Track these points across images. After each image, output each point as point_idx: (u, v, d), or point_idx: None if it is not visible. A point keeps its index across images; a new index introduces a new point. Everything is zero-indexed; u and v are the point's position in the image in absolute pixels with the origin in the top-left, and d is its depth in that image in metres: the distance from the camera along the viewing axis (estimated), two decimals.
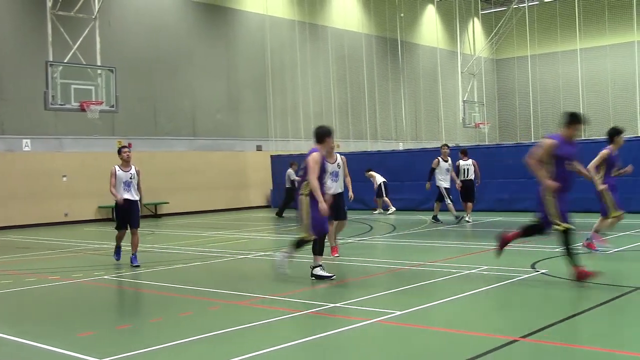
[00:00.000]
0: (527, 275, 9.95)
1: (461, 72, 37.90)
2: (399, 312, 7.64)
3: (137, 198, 12.74)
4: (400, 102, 38.07)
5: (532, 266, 10.76)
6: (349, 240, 15.59)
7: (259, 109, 32.06)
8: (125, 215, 12.75)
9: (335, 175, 12.38)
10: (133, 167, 12.74)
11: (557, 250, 12.71)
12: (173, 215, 27.61)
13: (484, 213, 21.93)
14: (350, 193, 12.96)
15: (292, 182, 23.72)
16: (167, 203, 27.68)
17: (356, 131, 35.68)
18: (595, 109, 36.65)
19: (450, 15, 39.76)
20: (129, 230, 12.87)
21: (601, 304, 7.86)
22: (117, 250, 13.15)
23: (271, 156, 30.60)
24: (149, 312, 8.90)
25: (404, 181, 25.62)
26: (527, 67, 38.43)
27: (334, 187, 12.19)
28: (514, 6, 37.98)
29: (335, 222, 12.51)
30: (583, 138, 28.17)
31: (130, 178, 12.60)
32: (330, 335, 6.85)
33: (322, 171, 10.09)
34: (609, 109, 37.44)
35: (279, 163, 29.40)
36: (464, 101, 37.20)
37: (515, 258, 11.53)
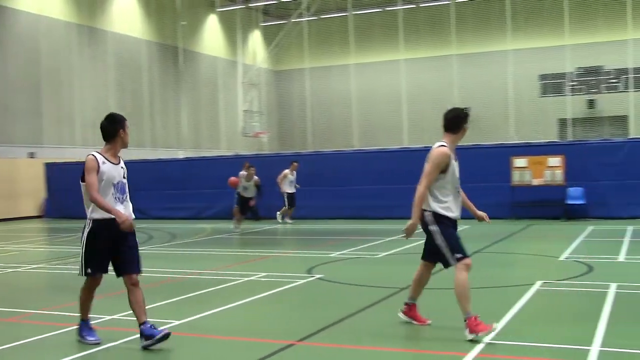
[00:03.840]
0: (303, 281, 10.36)
1: (242, 82, 38.44)
2: (177, 322, 7.65)
3: (133, 215, 7.07)
4: (181, 110, 37.83)
5: (309, 271, 11.20)
6: None
7: (31, 115, 30.35)
8: (110, 248, 6.84)
9: None
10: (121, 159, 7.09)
11: (332, 255, 13.36)
12: None
13: (267, 221, 22.41)
14: None
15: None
16: None
17: (136, 139, 34.95)
18: (365, 120, 38.74)
19: (232, 26, 40.20)
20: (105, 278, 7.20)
21: (373, 304, 8.40)
22: (86, 325, 7.06)
23: (45, 164, 29.09)
24: None
25: (185, 189, 25.51)
26: (305, 79, 39.79)
27: None
28: (293, 20, 39.21)
29: None
30: (357, 148, 29.74)
31: (124, 177, 6.98)
32: (110, 347, 6.72)
33: None
34: (377, 121, 39.71)
35: (55, 171, 28.07)
36: (244, 111, 37.74)
37: (292, 264, 11.93)
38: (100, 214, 6.70)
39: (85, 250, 6.79)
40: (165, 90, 37.21)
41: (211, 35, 41.11)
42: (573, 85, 35.26)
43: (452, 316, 7.17)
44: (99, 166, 6.70)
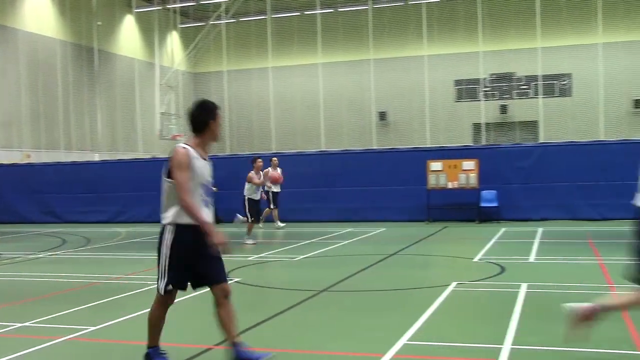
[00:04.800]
0: None
1: (159, 84, 37.89)
2: (93, 328, 7.48)
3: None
4: (96, 112, 37.00)
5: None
6: (39, 255, 14.84)
7: None
8: (192, 259, 5.85)
9: None
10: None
11: (250, 258, 13.32)
12: None
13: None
14: None
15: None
16: None
17: (49, 141, 33.98)
18: (283, 124, 38.77)
19: (149, 27, 39.58)
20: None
21: (291, 307, 8.41)
22: (157, 353, 6.09)
23: None
24: None
25: (100, 193, 24.96)
26: (223, 82, 39.54)
27: None
28: (212, 22, 38.92)
29: None
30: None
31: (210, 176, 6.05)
32: (18, 357, 6.51)
33: None
34: (295, 125, 39.82)
35: None
36: (161, 113, 37.22)
37: None
38: (187, 219, 5.65)
39: (168, 262, 5.72)
40: (80, 91, 36.29)
41: (128, 36, 40.35)
42: (486, 91, 36.20)
43: (376, 315, 7.24)
44: (190, 162, 5.68)
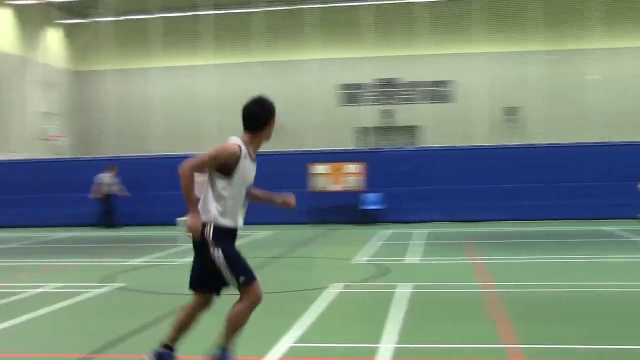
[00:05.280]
0: (100, 290, 9.91)
1: (36, 82, 36.40)
2: None
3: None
4: None
5: (106, 280, 10.75)
6: None
7: None
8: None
9: None
10: None
11: (131, 263, 12.93)
12: None
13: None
14: None
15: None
16: None
17: None
18: (168, 126, 38.08)
19: (27, 21, 37.96)
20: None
21: (173, 312, 8.18)
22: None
23: None
24: None
25: None
26: (107, 81, 38.46)
27: None
28: (96, 19, 37.78)
29: None
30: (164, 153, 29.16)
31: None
32: None
33: None
34: (180, 127, 39.20)
35: None
36: (38, 112, 35.75)
37: (89, 273, 11.42)
38: (228, 221, 5.29)
39: (232, 258, 5.34)
40: None
41: (1, 30, 38.54)
42: (371, 96, 36.83)
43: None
44: (239, 160, 5.26)
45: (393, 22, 36.70)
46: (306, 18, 36.33)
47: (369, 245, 15.28)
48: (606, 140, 26.70)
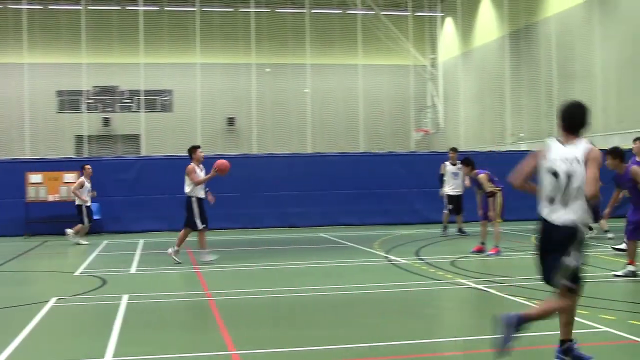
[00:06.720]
0: None
1: None
2: None
3: None
4: None
5: None
6: None
7: None
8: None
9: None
10: None
11: None
12: None
13: None
14: None
15: None
16: None
17: None
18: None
19: None
20: None
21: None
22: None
23: None
24: None
25: None
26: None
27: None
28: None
29: None
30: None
31: None
32: None
33: None
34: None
35: None
36: None
37: None
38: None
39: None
40: None
41: None
42: (89, 103, 35.96)
43: None
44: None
45: (111, 29, 36.23)
46: (19, 19, 34.45)
47: (85, 256, 15.06)
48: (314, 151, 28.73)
